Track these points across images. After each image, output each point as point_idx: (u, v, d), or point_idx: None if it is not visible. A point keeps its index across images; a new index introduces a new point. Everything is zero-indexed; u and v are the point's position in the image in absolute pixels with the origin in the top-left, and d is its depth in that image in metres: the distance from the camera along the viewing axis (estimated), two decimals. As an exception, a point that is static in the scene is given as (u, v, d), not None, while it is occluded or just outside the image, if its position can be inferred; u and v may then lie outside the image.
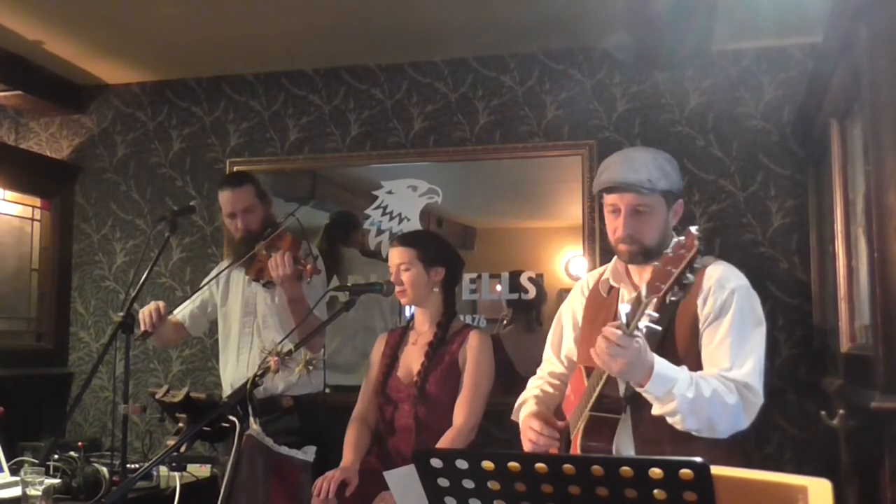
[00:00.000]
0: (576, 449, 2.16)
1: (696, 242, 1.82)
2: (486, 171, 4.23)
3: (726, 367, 2.13)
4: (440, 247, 3.22)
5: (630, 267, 2.39)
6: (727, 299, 2.19)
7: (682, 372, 2.06)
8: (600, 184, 2.30)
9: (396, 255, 3.12)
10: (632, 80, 4.11)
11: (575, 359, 2.52)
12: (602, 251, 3.98)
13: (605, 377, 2.07)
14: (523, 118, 4.21)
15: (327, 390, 3.70)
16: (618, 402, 2.16)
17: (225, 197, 3.49)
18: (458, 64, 4.32)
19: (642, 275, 2.34)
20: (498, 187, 4.23)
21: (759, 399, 2.12)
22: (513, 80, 4.25)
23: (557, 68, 4.20)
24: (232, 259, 3.54)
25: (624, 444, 2.18)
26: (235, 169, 4.41)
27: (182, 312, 3.60)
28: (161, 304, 3.34)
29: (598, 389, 2.10)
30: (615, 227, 2.30)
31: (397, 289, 3.10)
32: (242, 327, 3.54)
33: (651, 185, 2.21)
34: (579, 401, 2.23)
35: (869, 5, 2.30)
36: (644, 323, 1.93)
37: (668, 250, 1.88)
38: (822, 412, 2.90)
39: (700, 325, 2.21)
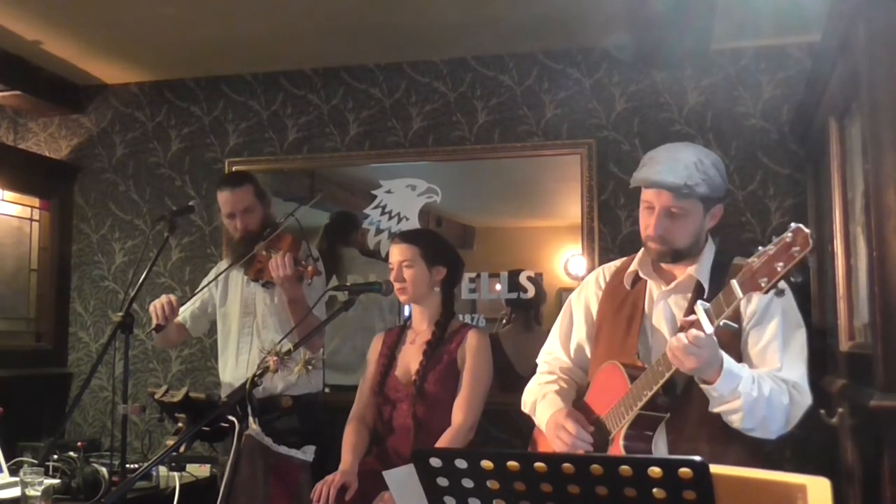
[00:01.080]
0: (617, 446, 2.14)
1: (811, 241, 1.74)
2: (485, 171, 4.23)
3: (777, 367, 2.13)
4: (442, 246, 3.22)
5: None
6: (772, 300, 2.13)
7: (745, 370, 2.05)
8: (638, 180, 2.25)
9: (398, 252, 3.10)
10: (630, 79, 4.11)
11: (588, 353, 2.47)
12: (601, 250, 3.98)
13: (667, 377, 2.03)
14: (522, 117, 4.21)
15: (326, 390, 3.70)
16: (667, 402, 2.14)
17: (224, 197, 3.49)
18: (456, 63, 4.32)
19: (674, 269, 2.32)
20: (497, 187, 4.23)
21: (807, 400, 2.12)
22: (511, 80, 4.25)
23: (556, 68, 4.20)
24: (231, 259, 3.54)
25: (658, 443, 2.17)
26: (234, 169, 4.41)
27: (183, 314, 3.60)
28: (172, 297, 3.35)
29: (656, 388, 2.06)
30: (647, 224, 2.26)
31: (397, 286, 3.09)
32: (242, 327, 3.53)
33: (689, 189, 2.16)
34: (616, 399, 2.19)
35: (867, 4, 2.30)
36: (724, 321, 1.90)
37: (770, 247, 1.80)
38: (822, 411, 2.89)
39: (744, 324, 2.19)
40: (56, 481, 3.09)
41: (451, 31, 3.98)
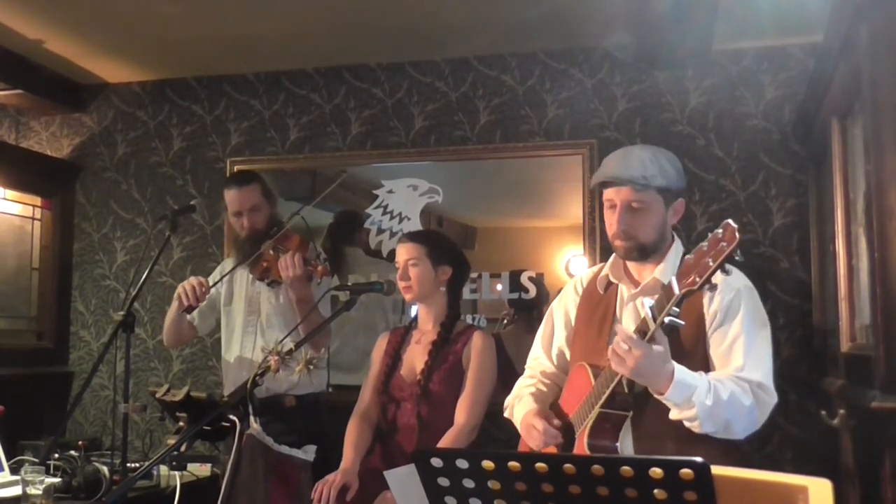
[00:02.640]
0: (581, 445, 2.17)
1: (737, 235, 1.78)
2: (487, 171, 4.23)
3: (739, 366, 2.14)
4: (449, 246, 3.23)
5: (629, 263, 2.39)
6: (734, 299, 2.19)
7: (701, 378, 2.06)
8: (596, 178, 2.33)
9: (405, 251, 3.11)
10: (632, 79, 4.11)
11: (568, 357, 2.51)
12: (602, 250, 3.98)
13: (619, 377, 2.06)
14: (524, 117, 4.21)
15: (330, 389, 3.69)
16: (627, 400, 2.16)
17: (231, 195, 3.48)
18: (458, 63, 4.32)
19: (642, 272, 2.36)
20: (498, 187, 4.23)
21: (772, 398, 2.14)
22: (513, 80, 4.25)
23: (558, 67, 4.20)
24: (238, 258, 3.52)
25: (624, 441, 2.19)
26: (236, 168, 4.41)
27: (192, 312, 3.59)
28: (202, 278, 3.34)
29: (611, 387, 2.09)
30: (611, 222, 2.32)
31: (402, 284, 3.09)
32: (246, 326, 3.52)
33: (645, 181, 2.22)
34: (582, 398, 2.23)
35: (869, 5, 2.30)
36: (669, 318, 1.91)
37: (704, 244, 1.84)
38: (823, 412, 2.90)
39: (707, 325, 2.21)
40: (57, 480, 3.09)
41: (453, 30, 3.98)
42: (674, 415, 2.07)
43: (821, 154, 3.41)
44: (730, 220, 1.80)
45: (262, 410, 3.36)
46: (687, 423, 2.08)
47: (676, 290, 1.88)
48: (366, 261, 4.31)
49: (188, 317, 3.52)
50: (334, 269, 4.04)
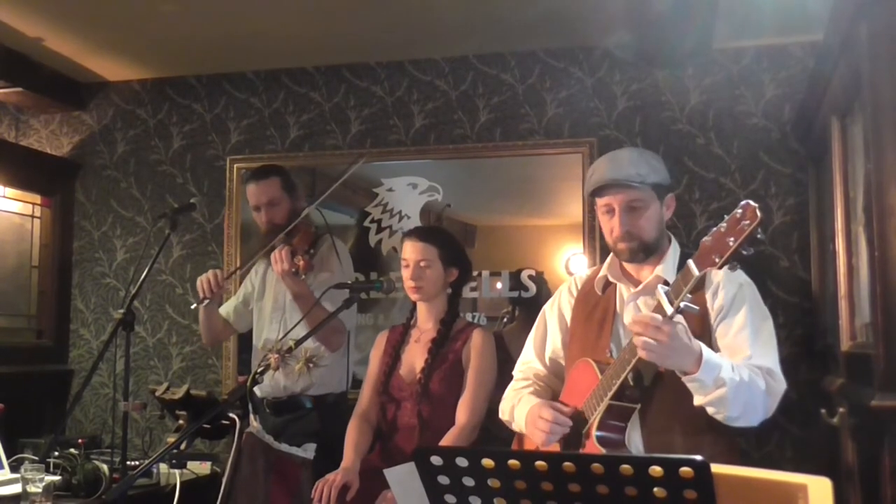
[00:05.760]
0: (591, 437, 2.17)
1: (759, 214, 1.75)
2: (487, 169, 4.23)
3: (747, 355, 2.15)
4: (457, 247, 3.19)
5: (626, 264, 2.40)
6: (738, 292, 2.21)
7: (724, 359, 2.06)
8: (591, 185, 2.31)
9: (416, 251, 3.05)
10: (632, 78, 4.11)
11: (562, 360, 2.51)
12: (602, 249, 3.98)
13: (632, 365, 2.04)
14: (524, 116, 4.21)
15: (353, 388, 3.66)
16: (636, 392, 2.16)
17: (250, 190, 3.48)
18: (458, 61, 4.32)
19: (641, 272, 2.37)
20: (498, 185, 4.23)
21: (782, 385, 2.16)
22: (513, 78, 4.25)
23: (558, 66, 4.20)
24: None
25: (633, 435, 2.19)
26: (236, 167, 4.42)
27: (227, 309, 3.58)
28: (218, 271, 3.34)
29: (623, 377, 2.08)
30: (611, 226, 2.31)
31: (412, 284, 3.05)
32: (271, 322, 3.51)
33: (641, 178, 2.24)
34: (587, 393, 2.22)
35: (869, 4, 2.30)
36: (684, 303, 1.90)
37: (722, 224, 1.81)
38: (823, 410, 2.90)
39: (712, 319, 2.22)
40: (57, 478, 3.10)
41: (453, 29, 3.98)
42: (699, 400, 2.04)
43: (820, 153, 3.41)
44: (749, 201, 1.78)
45: (281, 411, 3.36)
46: (711, 409, 2.05)
47: (696, 272, 1.85)
48: (397, 257, 4.26)
49: (222, 314, 3.54)
50: (368, 265, 4.04)
